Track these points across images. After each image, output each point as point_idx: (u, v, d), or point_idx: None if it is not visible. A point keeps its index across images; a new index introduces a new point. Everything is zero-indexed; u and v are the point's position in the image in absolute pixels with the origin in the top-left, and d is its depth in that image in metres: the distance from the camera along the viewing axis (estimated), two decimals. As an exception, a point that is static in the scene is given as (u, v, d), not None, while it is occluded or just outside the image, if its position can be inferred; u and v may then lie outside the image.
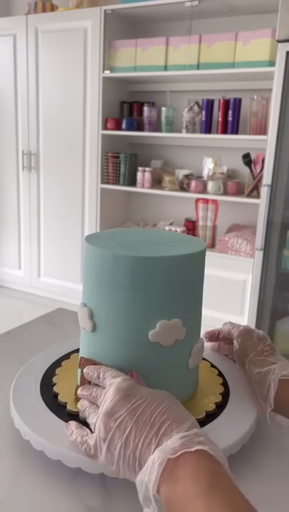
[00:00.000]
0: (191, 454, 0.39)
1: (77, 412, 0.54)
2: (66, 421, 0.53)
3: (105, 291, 0.53)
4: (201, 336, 0.61)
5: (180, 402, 0.47)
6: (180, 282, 0.53)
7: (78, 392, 0.53)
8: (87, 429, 0.49)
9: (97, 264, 0.54)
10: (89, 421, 0.49)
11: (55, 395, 0.58)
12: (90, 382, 0.54)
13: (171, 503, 0.38)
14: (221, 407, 0.57)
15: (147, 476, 0.40)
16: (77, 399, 0.56)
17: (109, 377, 0.49)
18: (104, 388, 0.49)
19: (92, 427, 0.48)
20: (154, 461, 0.40)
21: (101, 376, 0.51)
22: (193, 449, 0.39)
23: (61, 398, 0.57)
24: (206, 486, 0.36)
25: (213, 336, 0.70)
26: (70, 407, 0.55)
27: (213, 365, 0.67)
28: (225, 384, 0.63)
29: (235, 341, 0.64)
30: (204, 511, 0.35)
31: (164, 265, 0.52)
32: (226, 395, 0.60)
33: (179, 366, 0.56)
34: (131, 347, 0.53)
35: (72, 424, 0.51)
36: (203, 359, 0.68)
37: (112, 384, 0.48)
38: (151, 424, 0.43)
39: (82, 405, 0.51)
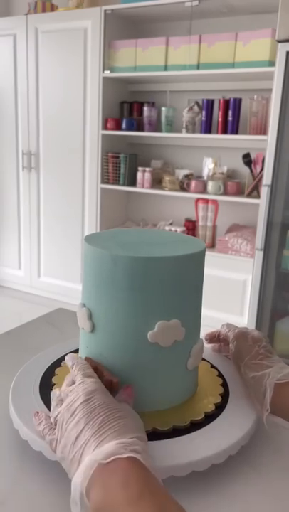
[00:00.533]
0: (123, 460, 0.39)
1: None
2: None
3: (104, 292, 0.53)
4: (200, 337, 0.61)
5: (140, 422, 0.47)
6: (179, 283, 0.53)
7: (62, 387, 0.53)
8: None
9: (96, 264, 0.53)
10: (53, 414, 0.49)
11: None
12: None
13: (100, 510, 0.37)
14: (220, 408, 0.57)
15: (78, 479, 0.40)
16: None
17: (81, 375, 0.49)
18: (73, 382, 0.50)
19: (52, 420, 0.49)
20: (85, 464, 0.40)
21: (74, 369, 0.51)
22: (125, 455, 0.39)
23: None
24: (136, 493, 0.36)
25: (213, 338, 0.70)
26: None
27: (213, 366, 0.67)
28: (225, 385, 0.62)
29: (230, 345, 0.64)
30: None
31: (163, 265, 0.51)
32: (225, 396, 0.60)
33: (179, 367, 0.56)
34: (130, 347, 0.53)
35: (42, 414, 0.51)
36: (204, 360, 0.68)
37: (81, 383, 0.48)
38: (99, 428, 0.43)
39: (54, 394, 0.51)
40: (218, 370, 0.66)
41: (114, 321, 0.53)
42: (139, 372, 0.53)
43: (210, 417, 0.55)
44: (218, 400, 0.58)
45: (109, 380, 0.52)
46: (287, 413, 0.55)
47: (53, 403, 0.50)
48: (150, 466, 0.40)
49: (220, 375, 0.65)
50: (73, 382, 0.50)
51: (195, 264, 0.55)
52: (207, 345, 0.73)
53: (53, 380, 0.62)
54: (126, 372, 0.54)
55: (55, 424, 0.48)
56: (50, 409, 0.55)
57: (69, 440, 0.44)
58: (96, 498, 0.38)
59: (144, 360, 0.53)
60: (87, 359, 0.56)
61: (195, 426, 0.53)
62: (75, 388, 0.48)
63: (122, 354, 0.54)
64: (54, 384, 0.61)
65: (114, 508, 0.36)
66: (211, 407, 0.57)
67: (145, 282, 0.51)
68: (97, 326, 0.55)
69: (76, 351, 0.68)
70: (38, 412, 0.51)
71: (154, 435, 0.52)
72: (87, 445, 0.42)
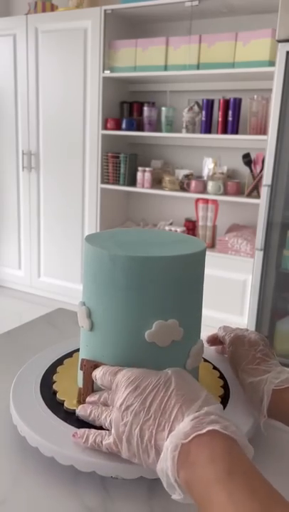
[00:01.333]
0: (204, 435, 0.39)
1: (74, 410, 0.54)
2: (64, 419, 0.53)
3: (102, 291, 0.54)
4: (200, 338, 0.60)
5: (190, 377, 0.47)
6: (177, 283, 0.53)
7: (88, 400, 0.53)
8: (100, 429, 0.49)
9: (95, 263, 0.54)
10: (101, 421, 0.49)
11: (55, 394, 0.58)
12: (92, 384, 0.54)
13: (192, 488, 0.38)
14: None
15: (165, 464, 0.40)
16: (80, 402, 0.56)
17: (114, 375, 0.49)
18: (110, 389, 0.49)
19: (105, 426, 0.48)
20: (167, 448, 0.40)
21: (108, 378, 0.50)
22: (204, 430, 0.39)
23: (59, 396, 0.57)
24: (224, 469, 0.36)
25: (214, 341, 0.70)
26: (67, 405, 0.56)
27: (215, 367, 0.67)
28: (226, 386, 0.62)
29: (227, 349, 0.64)
30: (226, 496, 0.34)
31: (161, 265, 0.51)
32: (225, 398, 0.60)
33: (177, 367, 0.56)
34: (127, 346, 0.53)
35: (83, 430, 0.49)
36: (206, 360, 0.68)
37: (119, 380, 0.48)
38: (162, 411, 0.43)
39: (88, 410, 0.51)
40: (220, 372, 0.66)
41: (113, 319, 0.54)
42: None
43: None
44: (218, 401, 0.58)
45: None
46: (286, 418, 0.53)
47: (96, 411, 0.50)
48: (231, 431, 0.39)
49: (221, 376, 0.65)
50: (109, 389, 0.50)
51: (194, 264, 0.55)
52: (211, 348, 0.73)
53: (54, 377, 0.62)
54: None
55: (108, 427, 0.47)
56: (50, 409, 0.55)
57: (133, 434, 0.44)
58: (188, 477, 0.38)
59: (142, 360, 0.53)
60: (88, 361, 0.55)
61: None
62: (118, 388, 0.47)
63: (120, 353, 0.54)
64: (55, 382, 0.61)
65: (205, 485, 0.36)
66: None
67: (143, 282, 0.52)
68: (96, 325, 0.55)
69: (76, 351, 0.68)
70: (76, 433, 0.50)
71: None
72: (159, 429, 0.42)
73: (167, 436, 0.41)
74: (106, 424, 0.48)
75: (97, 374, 0.52)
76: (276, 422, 0.55)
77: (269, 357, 0.59)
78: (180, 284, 0.53)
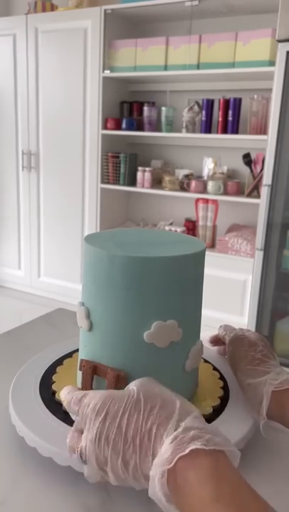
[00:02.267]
0: (187, 456, 0.37)
1: None
2: (63, 420, 0.53)
3: (101, 291, 0.53)
4: (200, 338, 0.60)
5: (158, 386, 0.45)
6: (176, 283, 0.53)
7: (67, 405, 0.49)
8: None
9: (94, 263, 0.54)
10: (82, 450, 0.44)
11: (54, 394, 0.58)
12: (91, 384, 0.54)
13: (183, 509, 0.37)
14: (218, 411, 0.57)
15: (155, 491, 0.38)
16: None
17: (79, 403, 0.45)
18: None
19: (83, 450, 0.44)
20: (154, 478, 0.38)
21: (74, 408, 0.46)
22: (186, 451, 0.37)
23: (57, 396, 0.57)
24: (210, 494, 0.35)
25: (218, 341, 0.70)
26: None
27: (215, 368, 0.67)
28: (225, 388, 0.62)
29: (227, 349, 0.63)
30: None
31: (160, 266, 0.51)
32: (225, 399, 0.60)
33: (176, 368, 0.56)
34: (126, 347, 0.53)
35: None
36: (206, 361, 0.68)
37: (84, 412, 0.44)
38: (141, 436, 0.40)
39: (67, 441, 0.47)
40: (220, 373, 0.66)
41: (111, 320, 0.53)
42: (135, 372, 0.53)
43: (207, 420, 0.55)
44: (217, 402, 0.58)
45: (116, 374, 0.52)
46: (286, 420, 0.53)
47: (73, 439, 0.45)
48: (214, 443, 0.38)
49: (222, 377, 0.65)
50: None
51: (194, 264, 0.55)
52: (213, 348, 0.72)
53: (54, 378, 0.62)
54: (120, 370, 0.54)
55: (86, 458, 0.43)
56: (49, 410, 0.55)
57: (117, 467, 0.41)
58: (177, 503, 0.37)
59: (140, 360, 0.53)
60: (87, 362, 0.55)
61: None
62: (87, 415, 0.43)
63: (119, 353, 0.54)
64: (54, 382, 0.61)
65: (195, 507, 0.35)
66: (208, 410, 0.56)
67: (141, 282, 0.51)
68: (95, 325, 0.55)
69: (76, 351, 0.68)
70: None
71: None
72: (141, 456, 0.40)
73: (152, 463, 0.39)
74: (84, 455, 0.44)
75: (63, 401, 0.48)
76: (275, 424, 0.55)
77: (268, 358, 0.58)
78: (179, 284, 0.53)
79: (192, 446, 0.37)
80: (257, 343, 0.60)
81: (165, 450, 0.38)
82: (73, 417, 0.47)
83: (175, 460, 0.37)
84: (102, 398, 0.43)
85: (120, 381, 0.52)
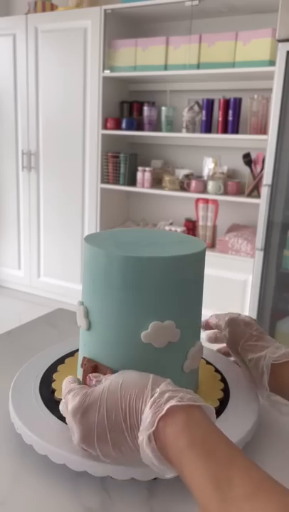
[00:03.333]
0: (166, 415, 0.41)
1: None
2: (62, 418, 0.53)
3: (99, 290, 0.54)
4: (200, 339, 0.60)
5: (131, 372, 0.48)
6: (175, 283, 0.53)
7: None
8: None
9: (93, 262, 0.54)
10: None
11: (53, 392, 0.58)
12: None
13: (172, 466, 0.41)
14: (218, 412, 0.57)
15: (147, 457, 0.42)
16: None
17: (66, 396, 0.49)
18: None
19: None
20: (142, 444, 0.41)
21: (62, 391, 0.50)
22: (164, 411, 0.41)
23: (57, 395, 0.57)
24: (186, 442, 0.39)
25: (208, 326, 0.70)
26: None
27: (217, 370, 0.67)
28: (226, 390, 0.62)
29: (224, 332, 0.65)
30: (190, 465, 0.38)
31: (157, 266, 0.51)
32: (225, 401, 0.59)
33: (174, 369, 0.55)
34: (123, 347, 0.53)
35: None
36: (208, 363, 0.68)
37: (68, 406, 0.47)
38: (124, 417, 0.43)
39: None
40: (221, 374, 0.66)
41: (109, 319, 0.54)
42: None
43: None
44: (216, 404, 0.58)
45: None
46: (285, 391, 0.57)
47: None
48: (188, 399, 0.42)
49: (223, 379, 0.64)
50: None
51: (192, 264, 0.54)
52: (214, 349, 0.72)
53: (54, 376, 0.62)
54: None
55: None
56: (48, 409, 0.55)
57: (110, 454, 0.45)
58: (165, 458, 0.41)
59: (138, 360, 0.53)
60: (89, 360, 0.55)
61: None
62: (69, 416, 0.46)
63: (116, 353, 0.54)
64: (54, 380, 0.61)
65: (177, 461, 0.39)
66: None
67: (139, 282, 0.51)
68: (93, 324, 0.55)
69: (76, 351, 0.68)
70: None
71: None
72: (128, 435, 0.43)
73: (138, 434, 0.43)
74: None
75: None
76: (275, 397, 0.57)
77: (264, 334, 0.62)
78: (178, 284, 0.53)
79: (168, 405, 0.41)
80: (252, 323, 0.64)
81: (146, 416, 0.42)
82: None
83: (156, 422, 0.41)
84: (78, 395, 0.46)
85: None
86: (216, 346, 0.72)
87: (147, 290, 0.52)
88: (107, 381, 0.47)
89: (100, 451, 0.45)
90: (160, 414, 0.40)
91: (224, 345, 0.70)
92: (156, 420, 0.40)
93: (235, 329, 0.63)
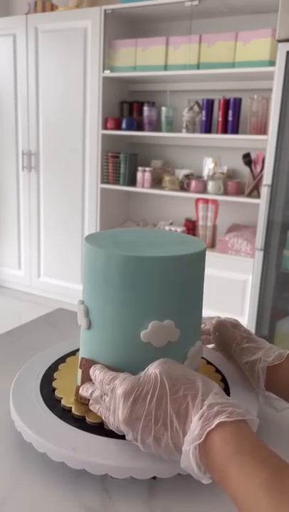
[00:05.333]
0: (214, 429, 0.41)
1: (83, 416, 0.54)
2: (61, 417, 0.53)
3: (99, 289, 0.54)
4: (199, 339, 0.60)
5: (178, 367, 0.48)
6: (174, 283, 0.53)
7: (81, 392, 0.54)
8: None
9: (92, 262, 0.54)
10: (106, 421, 0.51)
11: (54, 391, 0.59)
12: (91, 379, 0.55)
13: (212, 473, 0.42)
14: None
15: (189, 463, 0.43)
16: (77, 400, 0.56)
17: (108, 383, 0.50)
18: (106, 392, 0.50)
19: (110, 426, 0.50)
20: (187, 452, 0.43)
21: (101, 378, 0.51)
22: (213, 425, 0.42)
23: (58, 393, 0.58)
24: (233, 450, 0.40)
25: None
26: (64, 402, 0.56)
27: (217, 370, 0.67)
28: (226, 390, 0.62)
29: (212, 337, 0.66)
30: (238, 471, 0.38)
31: (155, 265, 0.51)
32: None
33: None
34: (123, 346, 0.54)
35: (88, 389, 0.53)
36: (209, 363, 0.68)
37: (116, 394, 0.48)
38: (171, 419, 0.45)
39: (95, 408, 0.52)
40: (221, 375, 0.66)
41: (108, 318, 0.54)
42: (133, 371, 0.53)
43: None
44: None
45: None
46: (283, 391, 0.59)
47: (98, 407, 0.51)
48: (237, 414, 0.42)
49: (223, 379, 0.64)
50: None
51: (193, 264, 0.54)
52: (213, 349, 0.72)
53: (55, 375, 0.62)
54: (119, 370, 0.54)
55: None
56: (48, 408, 0.55)
57: (148, 443, 0.46)
58: (206, 465, 0.42)
59: (137, 360, 0.53)
60: (88, 360, 0.56)
61: None
62: (116, 398, 0.48)
63: (115, 352, 0.54)
64: (55, 379, 0.61)
65: (220, 467, 0.40)
66: None
67: (138, 281, 0.51)
68: (93, 323, 0.56)
69: (76, 351, 0.68)
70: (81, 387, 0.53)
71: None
72: (173, 435, 0.44)
73: (183, 440, 0.44)
74: (110, 425, 0.49)
75: (96, 380, 0.52)
76: (272, 395, 0.59)
77: (251, 334, 0.64)
78: (178, 284, 0.53)
79: (218, 420, 0.42)
80: (238, 324, 0.65)
81: (194, 427, 0.43)
82: (94, 404, 0.52)
83: (204, 434, 0.42)
84: (131, 383, 0.47)
85: None
86: None
87: (147, 290, 0.52)
88: (152, 370, 0.48)
89: (140, 437, 0.46)
90: (209, 428, 0.42)
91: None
92: (205, 433, 0.41)
93: (224, 333, 0.64)
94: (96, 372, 0.52)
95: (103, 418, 0.51)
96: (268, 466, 0.38)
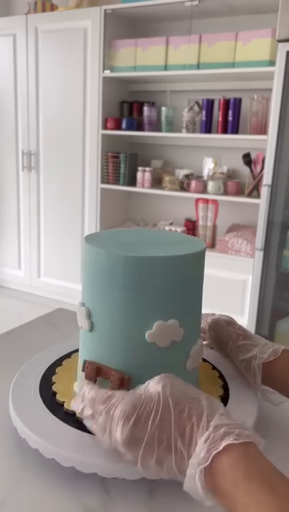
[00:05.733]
0: (221, 452, 0.40)
1: (68, 407, 0.54)
2: (64, 420, 0.53)
3: (101, 291, 0.53)
4: (200, 338, 0.60)
5: (182, 385, 0.47)
6: (176, 283, 0.53)
7: (72, 406, 0.51)
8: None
9: (94, 262, 0.54)
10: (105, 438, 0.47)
11: (54, 395, 0.58)
12: (95, 382, 0.54)
13: (218, 498, 0.40)
14: None
15: (193, 486, 0.41)
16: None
17: (104, 403, 0.47)
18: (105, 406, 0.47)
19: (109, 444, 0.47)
20: (192, 476, 0.41)
21: (93, 397, 0.48)
22: (220, 448, 0.40)
23: (59, 397, 0.57)
24: (242, 475, 0.38)
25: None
26: (67, 406, 0.56)
27: (214, 368, 0.67)
28: (225, 387, 0.62)
29: (208, 335, 0.66)
30: (247, 498, 0.37)
31: (158, 265, 0.51)
32: (225, 398, 0.60)
33: (177, 367, 0.55)
34: (127, 347, 0.53)
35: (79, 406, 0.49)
36: (205, 360, 0.68)
37: (113, 415, 0.45)
38: (175, 440, 0.43)
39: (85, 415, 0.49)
40: (219, 372, 0.66)
41: (112, 320, 0.53)
42: (137, 372, 0.53)
43: None
44: (218, 400, 0.58)
45: (121, 377, 0.52)
46: (278, 385, 0.60)
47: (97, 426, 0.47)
48: (245, 436, 0.41)
49: (221, 376, 0.65)
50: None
51: (193, 264, 0.55)
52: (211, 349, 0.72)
53: (53, 379, 0.62)
54: (123, 372, 0.53)
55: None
56: (49, 410, 0.55)
57: (149, 466, 0.44)
58: (212, 489, 0.40)
59: (142, 360, 0.53)
60: (91, 363, 0.55)
61: None
62: (116, 417, 0.45)
63: (120, 353, 0.54)
64: (54, 383, 0.61)
65: (228, 493, 0.39)
66: None
67: (141, 282, 0.51)
68: (96, 325, 0.55)
69: (76, 351, 0.68)
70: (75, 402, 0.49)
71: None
72: (177, 458, 0.43)
73: (188, 462, 0.42)
74: (105, 446, 0.46)
75: (82, 397, 0.49)
76: (269, 389, 0.60)
77: (246, 331, 0.64)
78: (180, 284, 0.53)
79: (225, 443, 0.40)
80: (232, 321, 0.66)
81: (200, 450, 0.41)
82: (86, 420, 0.48)
83: (211, 458, 0.40)
84: (131, 403, 0.44)
85: (124, 383, 0.52)
86: None
87: (150, 290, 0.52)
88: (154, 388, 0.46)
89: (141, 461, 0.44)
90: (216, 451, 0.40)
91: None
92: (211, 457, 0.40)
93: (220, 331, 0.64)
94: (85, 389, 0.49)
95: (96, 436, 0.48)
96: (279, 494, 0.36)
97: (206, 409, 0.44)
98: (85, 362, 0.56)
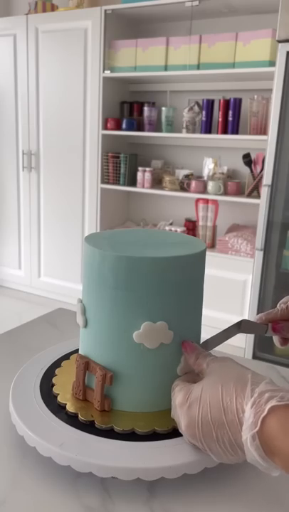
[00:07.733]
0: (268, 415, 0.41)
1: (76, 412, 0.54)
2: (65, 420, 0.53)
3: (94, 289, 0.55)
4: (201, 342, 0.59)
5: (230, 369, 0.48)
6: (168, 284, 0.52)
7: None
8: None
9: (89, 261, 0.55)
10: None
11: (55, 396, 0.58)
12: (84, 379, 0.57)
13: (278, 462, 0.41)
14: None
15: (252, 455, 0.43)
16: (73, 396, 0.57)
17: (172, 391, 0.52)
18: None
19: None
20: (246, 443, 0.42)
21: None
22: (265, 411, 0.42)
23: (60, 399, 0.57)
24: None
25: (274, 318, 0.70)
26: (69, 408, 0.56)
27: None
28: None
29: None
30: None
31: (147, 266, 0.51)
32: None
33: (167, 371, 0.55)
34: (115, 345, 0.54)
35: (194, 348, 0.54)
36: None
37: (174, 400, 0.50)
38: (226, 414, 0.45)
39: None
40: None
41: (102, 318, 0.54)
42: (124, 371, 0.53)
43: None
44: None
45: (104, 374, 0.53)
46: None
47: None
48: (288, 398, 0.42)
49: None
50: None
51: (193, 265, 0.54)
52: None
53: (54, 380, 0.62)
54: (112, 370, 0.54)
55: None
56: (50, 410, 0.55)
57: (212, 446, 0.46)
58: (271, 454, 0.41)
59: (130, 360, 0.53)
60: (81, 357, 0.57)
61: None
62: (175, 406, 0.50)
63: (109, 351, 0.54)
64: (54, 384, 0.61)
65: (286, 453, 0.40)
66: None
67: (131, 282, 0.52)
68: (89, 322, 0.56)
69: (76, 351, 0.68)
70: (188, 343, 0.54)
71: (153, 436, 0.52)
72: (232, 432, 0.44)
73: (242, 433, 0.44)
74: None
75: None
76: None
77: None
78: (175, 285, 0.53)
79: (269, 405, 0.42)
80: None
81: (248, 416, 0.43)
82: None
83: (259, 422, 0.41)
84: (183, 390, 0.49)
85: (106, 381, 0.53)
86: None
87: (139, 290, 0.52)
88: (207, 377, 0.49)
89: (207, 445, 0.46)
90: (262, 415, 0.41)
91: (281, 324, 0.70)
92: (259, 421, 0.41)
93: None
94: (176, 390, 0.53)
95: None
96: None
97: (250, 379, 0.46)
98: (77, 355, 0.58)
